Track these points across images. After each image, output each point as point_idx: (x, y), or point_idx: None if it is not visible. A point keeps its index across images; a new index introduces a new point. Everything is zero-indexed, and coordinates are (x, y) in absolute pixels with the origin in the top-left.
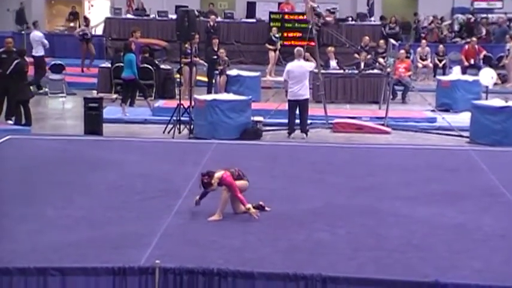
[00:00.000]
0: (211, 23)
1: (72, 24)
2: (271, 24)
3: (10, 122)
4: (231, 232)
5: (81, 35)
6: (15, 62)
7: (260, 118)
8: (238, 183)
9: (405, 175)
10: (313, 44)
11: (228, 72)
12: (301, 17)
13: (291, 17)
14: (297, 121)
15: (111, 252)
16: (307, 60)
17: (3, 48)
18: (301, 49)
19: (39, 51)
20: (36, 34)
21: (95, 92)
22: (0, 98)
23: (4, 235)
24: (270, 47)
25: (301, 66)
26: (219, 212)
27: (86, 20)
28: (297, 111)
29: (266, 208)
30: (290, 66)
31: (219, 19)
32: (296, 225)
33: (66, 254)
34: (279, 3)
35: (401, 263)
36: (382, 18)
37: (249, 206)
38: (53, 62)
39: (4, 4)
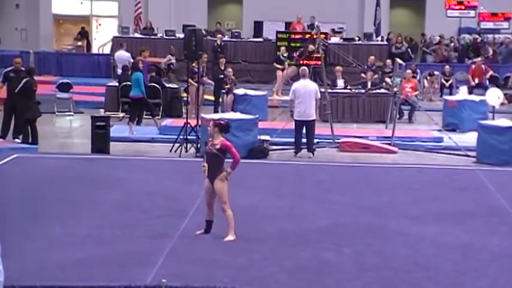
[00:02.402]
0: (218, 42)
1: (80, 43)
2: (278, 43)
3: (17, 140)
4: (237, 251)
5: (168, 65)
6: (24, 80)
7: (267, 137)
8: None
9: (412, 194)
10: (319, 63)
11: (235, 91)
12: (308, 36)
13: (298, 36)
14: (304, 140)
15: (118, 271)
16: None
17: (12, 67)
18: (306, 69)
19: None
20: (124, 54)
21: (102, 110)
22: (8, 117)
23: (11, 253)
24: (278, 66)
25: (306, 86)
26: (231, 232)
27: (171, 49)
28: (304, 131)
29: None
30: (296, 85)
31: (226, 38)
32: (302, 244)
33: (73, 272)
34: (287, 23)
35: (408, 283)
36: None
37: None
38: (60, 81)
39: (12, 23)
